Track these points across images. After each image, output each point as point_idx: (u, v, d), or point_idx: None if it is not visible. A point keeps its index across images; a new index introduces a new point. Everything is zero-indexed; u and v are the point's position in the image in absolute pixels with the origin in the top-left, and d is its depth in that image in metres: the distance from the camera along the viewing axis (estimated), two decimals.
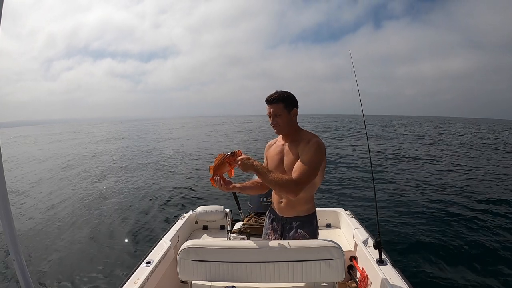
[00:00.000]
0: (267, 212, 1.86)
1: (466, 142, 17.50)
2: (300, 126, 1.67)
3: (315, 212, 1.71)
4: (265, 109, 1.61)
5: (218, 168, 1.51)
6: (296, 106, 1.61)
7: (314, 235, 1.68)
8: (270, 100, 1.57)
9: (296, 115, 1.62)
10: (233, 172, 1.52)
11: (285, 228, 1.71)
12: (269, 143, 1.78)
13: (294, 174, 1.46)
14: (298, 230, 1.66)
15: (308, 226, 1.66)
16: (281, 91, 1.58)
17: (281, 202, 1.69)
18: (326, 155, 1.58)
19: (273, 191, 1.70)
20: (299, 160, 1.51)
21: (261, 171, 1.45)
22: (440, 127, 36.00)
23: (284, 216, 1.70)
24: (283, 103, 1.56)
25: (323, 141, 1.57)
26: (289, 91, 1.60)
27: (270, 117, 1.60)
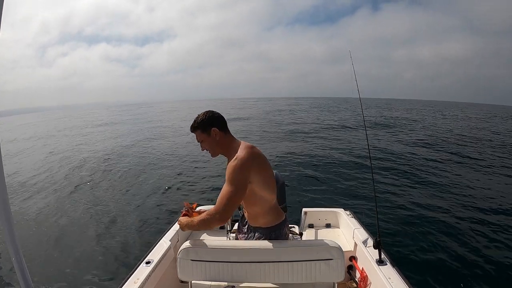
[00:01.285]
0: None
1: (469, 132, 17.47)
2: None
3: (276, 225, 1.70)
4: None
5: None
6: (216, 124, 1.59)
7: None
8: (190, 129, 1.65)
9: (219, 133, 1.59)
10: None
11: (249, 234, 1.77)
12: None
13: (216, 202, 1.51)
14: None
15: (265, 238, 1.69)
16: (199, 116, 1.61)
17: (246, 212, 1.76)
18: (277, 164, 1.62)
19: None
20: None
21: (190, 225, 1.61)
22: (440, 112, 35.45)
23: (250, 224, 1.77)
24: (199, 129, 1.60)
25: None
26: (211, 111, 1.63)
27: None
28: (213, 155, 1.65)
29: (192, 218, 1.64)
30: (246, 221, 1.81)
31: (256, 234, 1.71)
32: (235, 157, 1.49)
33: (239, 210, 1.88)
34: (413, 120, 23.99)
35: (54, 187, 7.87)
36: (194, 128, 1.62)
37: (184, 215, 1.73)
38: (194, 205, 1.82)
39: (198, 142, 1.65)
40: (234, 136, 1.67)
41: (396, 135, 15.48)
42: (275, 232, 1.70)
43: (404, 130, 17.38)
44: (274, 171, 2.62)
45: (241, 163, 1.46)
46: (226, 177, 1.49)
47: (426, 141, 13.39)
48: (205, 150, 1.65)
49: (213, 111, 1.64)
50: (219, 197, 1.50)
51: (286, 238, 1.76)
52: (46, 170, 9.94)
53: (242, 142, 1.60)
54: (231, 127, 1.68)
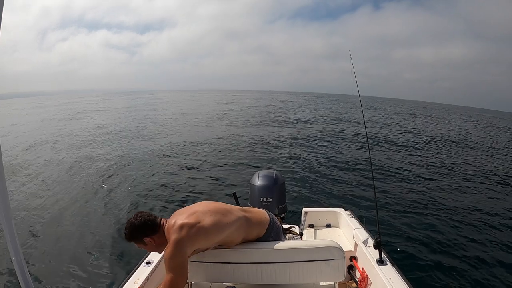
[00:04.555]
0: None
1: (469, 136, 17.44)
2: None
3: (266, 229, 1.68)
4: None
5: None
6: (145, 233, 1.50)
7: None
8: (128, 241, 1.55)
9: (152, 237, 1.51)
10: None
11: None
12: None
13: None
14: None
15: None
16: (126, 227, 1.52)
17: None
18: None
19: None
20: None
21: None
22: (439, 117, 34.94)
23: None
24: (133, 240, 1.53)
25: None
26: (134, 220, 1.51)
27: None
28: (160, 252, 1.58)
29: None
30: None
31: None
32: (166, 247, 1.44)
33: None
34: (414, 122, 23.98)
35: (54, 187, 7.87)
36: (129, 239, 1.54)
37: None
38: None
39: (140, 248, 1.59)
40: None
41: (395, 135, 15.48)
42: (272, 234, 1.69)
43: (404, 131, 17.38)
44: (274, 171, 2.64)
45: (169, 254, 1.41)
46: (164, 265, 1.44)
47: (427, 141, 13.39)
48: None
49: (135, 219, 1.51)
50: (162, 285, 1.43)
51: (282, 229, 1.76)
52: (53, 164, 9.92)
53: (169, 225, 1.51)
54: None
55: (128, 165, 9.92)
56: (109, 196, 6.89)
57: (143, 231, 1.50)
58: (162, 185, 7.46)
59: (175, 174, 8.53)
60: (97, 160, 10.20)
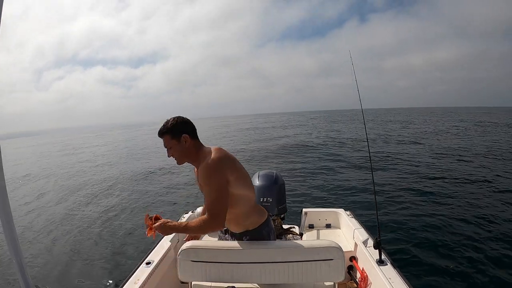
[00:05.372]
0: None
1: (466, 134, 17.42)
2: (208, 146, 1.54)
3: (263, 222, 1.66)
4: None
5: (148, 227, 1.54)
6: (187, 131, 1.50)
7: None
8: (158, 134, 1.52)
9: (190, 140, 1.50)
10: (154, 234, 1.49)
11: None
12: (195, 170, 1.64)
13: (206, 209, 1.45)
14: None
15: (258, 238, 1.64)
16: (168, 121, 1.51)
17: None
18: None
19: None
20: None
21: (180, 229, 1.49)
22: (436, 121, 34.94)
23: (233, 231, 1.69)
24: (169, 134, 1.49)
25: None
26: (181, 116, 1.53)
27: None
28: (179, 163, 1.55)
29: (184, 223, 1.49)
30: (227, 230, 1.73)
31: (245, 238, 1.64)
32: (206, 163, 1.42)
33: None
34: (413, 128, 23.92)
35: (55, 190, 7.88)
36: (163, 133, 1.50)
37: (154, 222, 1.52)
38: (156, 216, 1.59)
39: (166, 148, 1.53)
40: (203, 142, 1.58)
41: (395, 137, 15.49)
42: (266, 228, 1.67)
43: (401, 136, 17.38)
44: (274, 171, 2.63)
45: (215, 163, 1.41)
46: (204, 182, 1.42)
47: (425, 142, 13.39)
48: (171, 157, 1.54)
49: (183, 117, 1.53)
50: (207, 204, 1.44)
51: (282, 230, 1.74)
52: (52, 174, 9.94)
53: (211, 146, 1.53)
54: None
55: (133, 179, 9.94)
56: (110, 197, 6.91)
57: (187, 127, 1.51)
58: (162, 188, 7.48)
59: (175, 184, 8.55)
60: (102, 182, 10.21)
